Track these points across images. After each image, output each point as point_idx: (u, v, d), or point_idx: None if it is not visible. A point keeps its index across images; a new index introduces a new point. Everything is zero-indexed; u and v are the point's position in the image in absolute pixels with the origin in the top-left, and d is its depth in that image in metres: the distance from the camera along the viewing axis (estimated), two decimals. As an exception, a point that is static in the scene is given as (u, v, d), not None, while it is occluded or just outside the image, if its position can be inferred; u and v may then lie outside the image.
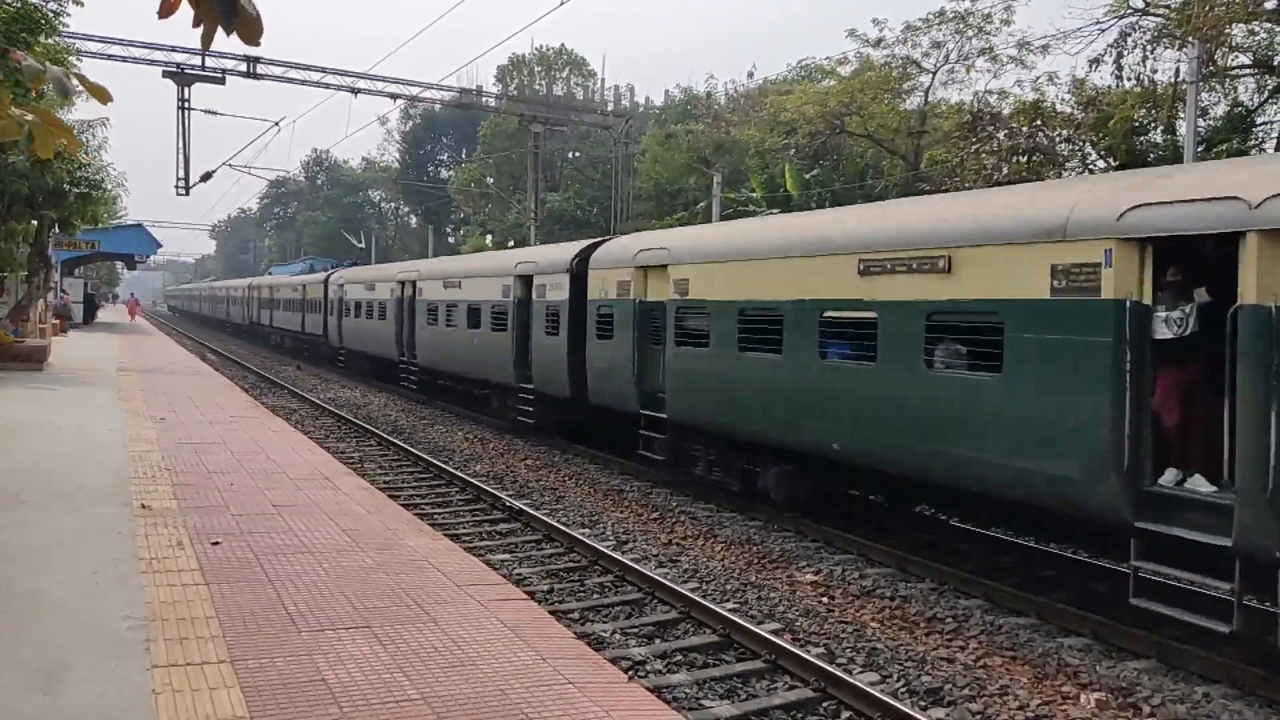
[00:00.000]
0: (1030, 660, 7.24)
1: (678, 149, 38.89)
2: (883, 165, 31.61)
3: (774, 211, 29.17)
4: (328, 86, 32.58)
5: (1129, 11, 20.92)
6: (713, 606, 7.89)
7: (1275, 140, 20.39)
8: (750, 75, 53.63)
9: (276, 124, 34.09)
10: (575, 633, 6.62)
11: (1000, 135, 23.56)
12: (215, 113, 34.96)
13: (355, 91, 32.68)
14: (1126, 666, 7.10)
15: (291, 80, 32.23)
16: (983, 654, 7.35)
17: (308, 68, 32.43)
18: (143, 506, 8.34)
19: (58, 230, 29.18)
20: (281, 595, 6.14)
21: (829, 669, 6.61)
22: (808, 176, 31.32)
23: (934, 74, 29.44)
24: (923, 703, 6.45)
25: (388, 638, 5.45)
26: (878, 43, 29.70)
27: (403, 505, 10.16)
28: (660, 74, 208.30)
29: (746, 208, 31.47)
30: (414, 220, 76.51)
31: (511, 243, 45.68)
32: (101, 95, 3.52)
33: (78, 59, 20.32)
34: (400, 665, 5.04)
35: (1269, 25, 19.56)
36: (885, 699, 6.12)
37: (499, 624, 5.84)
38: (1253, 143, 21.08)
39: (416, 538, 7.97)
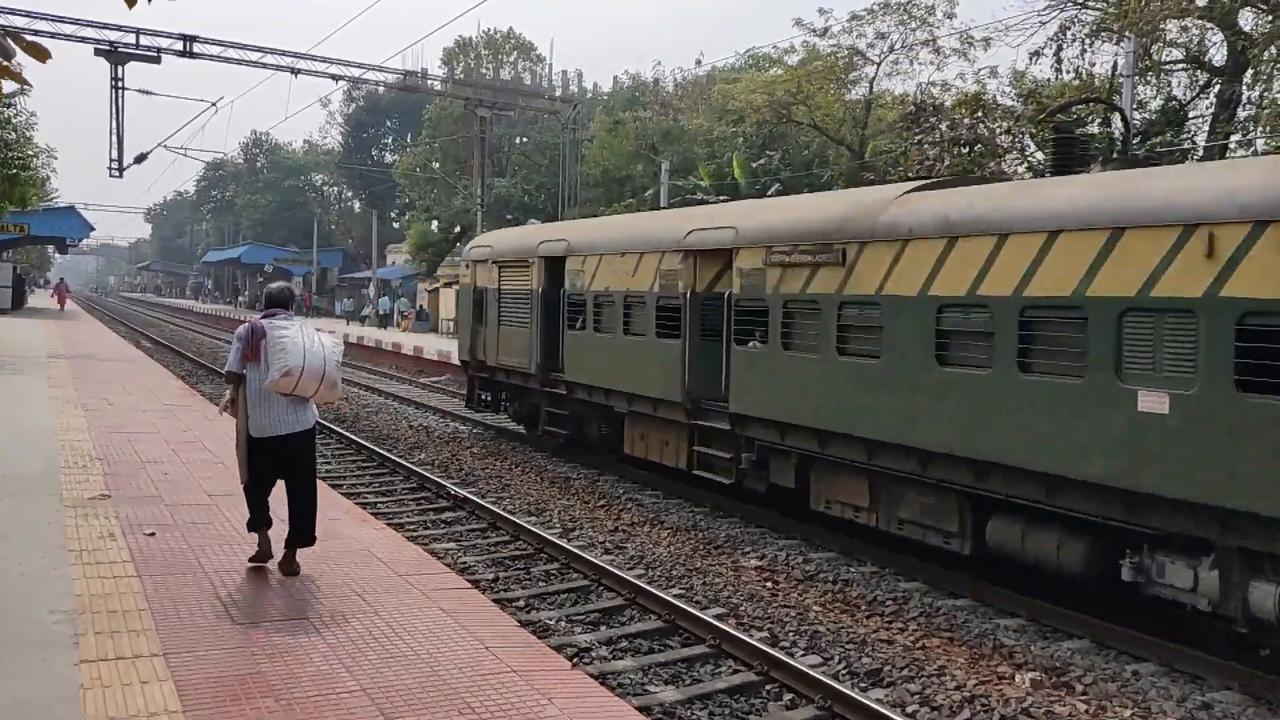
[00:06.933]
0: (967, 641, 7.39)
1: (626, 136, 38.75)
2: (829, 155, 31.86)
3: (724, 198, 29.23)
4: (266, 66, 31.71)
5: (1068, 4, 21.31)
6: (658, 593, 7.92)
7: (1207, 134, 20.97)
8: (698, 62, 53.73)
9: (214, 104, 33.17)
10: (520, 620, 6.58)
11: (942, 126, 23.88)
12: (150, 92, 33.92)
13: (295, 72, 31.86)
14: (1060, 646, 7.28)
15: (229, 60, 31.32)
16: (921, 636, 7.48)
17: (245, 47, 31.52)
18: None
19: (-17, 212, 28.18)
20: (216, 587, 6.01)
21: (771, 652, 6.67)
22: (755, 165, 31.44)
23: (878, 65, 29.75)
24: (863, 684, 6.55)
25: (326, 629, 5.37)
26: (824, 32, 29.91)
27: (344, 495, 10.01)
28: (609, 60, 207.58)
29: (695, 195, 31.48)
30: (357, 205, 75.25)
31: (458, 228, 45.17)
32: (40, 54, 3.41)
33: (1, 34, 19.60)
34: (339, 656, 4.97)
35: (1200, 22, 20.09)
36: (826, 681, 6.20)
37: (441, 613, 5.79)
38: (1185, 135, 21.67)
39: (358, 528, 7.86)
